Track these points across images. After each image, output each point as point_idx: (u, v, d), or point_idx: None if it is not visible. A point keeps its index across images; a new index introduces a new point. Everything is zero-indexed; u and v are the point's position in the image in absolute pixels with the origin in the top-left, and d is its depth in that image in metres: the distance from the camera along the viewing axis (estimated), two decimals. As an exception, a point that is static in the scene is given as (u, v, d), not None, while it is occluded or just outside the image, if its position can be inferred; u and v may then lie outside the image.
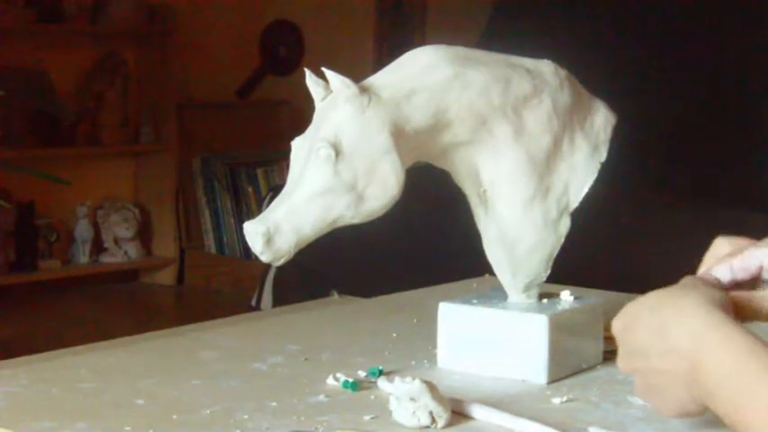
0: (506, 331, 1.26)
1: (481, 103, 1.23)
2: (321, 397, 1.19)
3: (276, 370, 1.31)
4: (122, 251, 5.12)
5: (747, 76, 3.56)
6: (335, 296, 2.25)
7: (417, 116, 1.19)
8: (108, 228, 5.10)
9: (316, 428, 1.08)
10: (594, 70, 3.06)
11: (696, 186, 3.43)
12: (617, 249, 3.03)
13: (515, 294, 1.30)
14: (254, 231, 1.15)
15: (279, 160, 4.97)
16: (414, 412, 1.07)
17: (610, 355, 1.33)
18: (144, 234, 5.22)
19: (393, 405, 1.08)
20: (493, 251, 1.31)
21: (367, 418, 1.11)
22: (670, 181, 3.50)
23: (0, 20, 4.61)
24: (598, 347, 1.31)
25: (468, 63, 1.24)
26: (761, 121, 3.48)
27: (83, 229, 5.01)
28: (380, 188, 1.17)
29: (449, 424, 1.08)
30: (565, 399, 1.18)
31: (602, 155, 1.30)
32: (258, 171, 5.14)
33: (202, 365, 1.34)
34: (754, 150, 3.46)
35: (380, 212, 1.18)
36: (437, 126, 1.21)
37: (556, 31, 3.73)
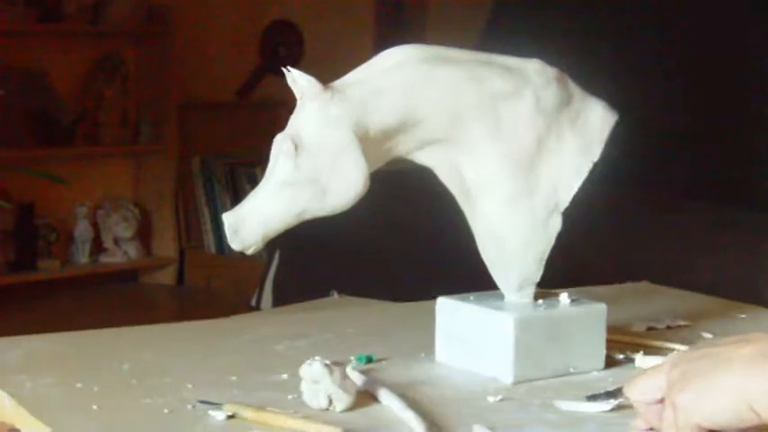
0: (481, 329, 1.27)
1: (452, 100, 1.24)
2: (284, 376, 1.23)
3: (263, 350, 1.35)
4: (122, 251, 5.12)
5: (747, 75, 3.56)
6: (335, 296, 2.25)
7: (384, 114, 1.22)
8: (108, 228, 5.09)
9: (221, 404, 1.11)
10: (594, 70, 3.06)
11: (696, 186, 3.43)
12: (616, 249, 3.03)
13: (510, 294, 1.31)
14: (225, 222, 1.22)
15: (279, 160, 4.97)
16: (316, 394, 1.12)
17: (612, 360, 1.32)
18: (144, 234, 5.22)
19: (303, 386, 1.13)
20: (484, 250, 1.31)
21: (290, 397, 1.15)
22: (669, 181, 3.50)
23: (0, 20, 4.61)
24: (594, 353, 1.30)
25: (439, 61, 1.24)
26: (761, 120, 3.48)
27: (82, 229, 5.01)
28: (343, 183, 1.21)
29: (351, 408, 1.11)
30: (500, 398, 1.18)
31: (595, 154, 1.29)
32: (258, 171, 5.14)
33: (194, 343, 1.41)
34: (755, 150, 3.46)
35: (345, 207, 1.22)
36: (407, 124, 1.23)
37: (556, 30, 3.73)
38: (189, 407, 1.13)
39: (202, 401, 1.12)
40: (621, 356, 1.33)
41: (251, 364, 1.29)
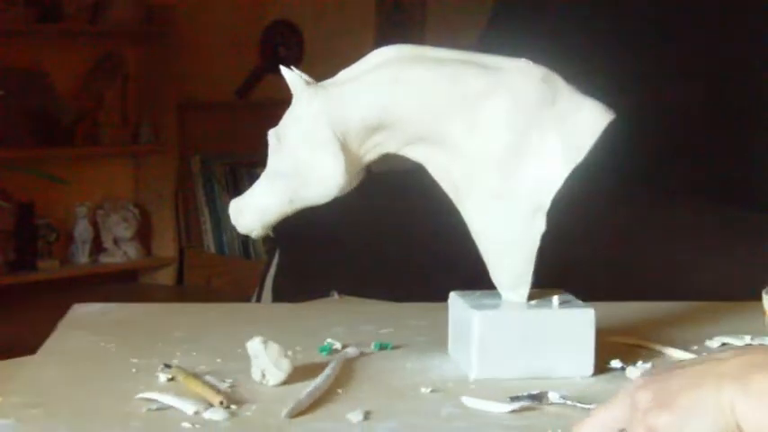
0: (463, 324, 1.30)
1: (428, 99, 1.26)
2: None
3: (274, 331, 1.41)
4: (122, 251, 5.12)
5: (748, 75, 3.56)
6: (335, 296, 2.25)
7: (362, 112, 1.27)
8: (107, 228, 5.09)
9: (173, 362, 1.26)
10: (594, 69, 3.05)
11: (695, 186, 3.43)
12: (616, 249, 3.02)
13: (505, 292, 1.31)
14: (229, 209, 1.33)
15: (279, 160, 4.96)
16: (255, 369, 1.22)
17: (605, 368, 1.30)
18: (144, 234, 5.22)
19: (252, 361, 1.23)
20: (480, 248, 1.32)
21: (253, 369, 1.24)
22: (669, 180, 3.50)
23: (0, 20, 4.61)
24: (580, 359, 1.27)
25: (418, 61, 1.27)
26: (761, 120, 3.48)
27: (82, 229, 5.01)
28: (321, 176, 1.27)
29: (285, 382, 1.20)
30: (430, 390, 1.21)
31: (579, 155, 1.26)
32: (258, 171, 5.12)
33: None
34: (755, 150, 3.46)
35: (328, 197, 1.29)
36: (386, 122, 1.27)
37: (556, 30, 3.73)
38: (159, 368, 1.25)
39: (166, 364, 1.25)
40: (619, 365, 1.30)
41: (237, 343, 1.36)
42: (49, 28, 4.88)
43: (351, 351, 1.34)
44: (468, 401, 1.16)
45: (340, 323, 1.49)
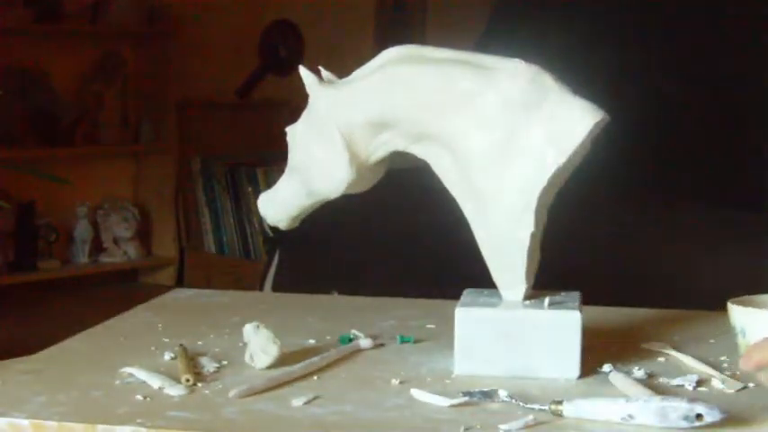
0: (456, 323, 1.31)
1: (421, 99, 1.28)
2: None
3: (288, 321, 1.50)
4: (122, 251, 5.12)
5: (748, 76, 3.56)
6: (336, 296, 2.25)
7: (365, 111, 1.30)
8: (107, 228, 5.09)
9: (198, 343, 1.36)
10: (594, 71, 3.06)
11: (696, 187, 3.43)
12: (617, 250, 3.02)
13: (504, 291, 1.32)
14: (258, 201, 1.40)
15: (279, 161, 4.95)
16: (247, 352, 1.29)
17: (593, 371, 1.28)
18: (144, 234, 5.22)
19: (247, 345, 1.30)
20: (480, 247, 1.33)
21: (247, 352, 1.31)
22: (670, 181, 3.50)
23: (0, 20, 4.61)
24: (566, 360, 1.27)
25: (411, 62, 1.29)
26: (761, 121, 3.48)
27: (82, 230, 5.01)
28: (328, 172, 1.32)
29: (270, 367, 1.26)
30: (398, 381, 1.23)
31: (564, 155, 1.26)
32: (258, 171, 5.13)
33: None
34: (755, 151, 3.46)
35: (337, 193, 1.33)
36: (388, 120, 1.30)
37: (556, 31, 3.73)
38: (175, 347, 1.34)
39: (180, 345, 1.33)
40: (609, 369, 1.29)
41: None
42: (49, 28, 4.88)
43: (363, 343, 1.37)
44: (417, 394, 1.18)
45: (390, 317, 1.54)
